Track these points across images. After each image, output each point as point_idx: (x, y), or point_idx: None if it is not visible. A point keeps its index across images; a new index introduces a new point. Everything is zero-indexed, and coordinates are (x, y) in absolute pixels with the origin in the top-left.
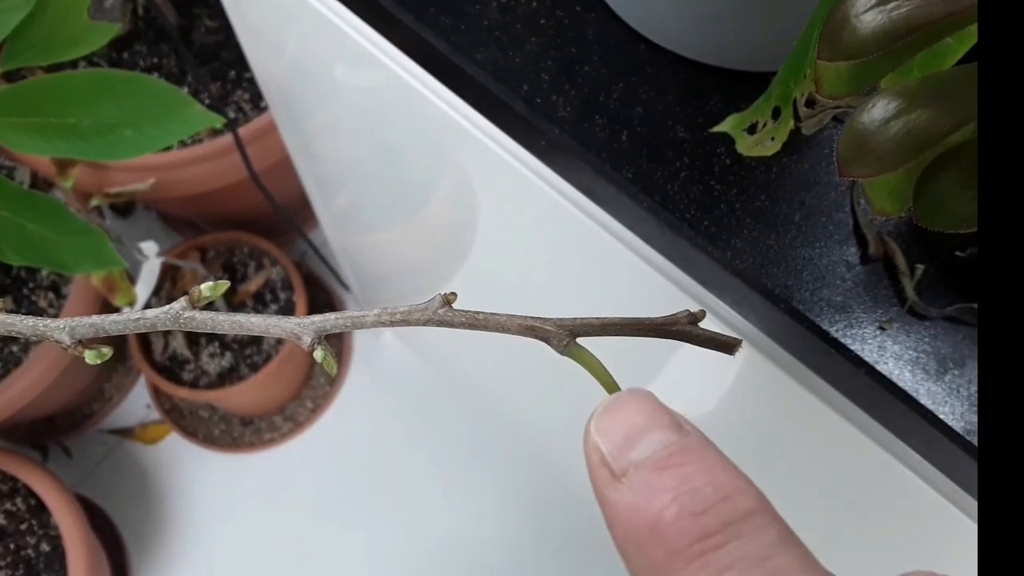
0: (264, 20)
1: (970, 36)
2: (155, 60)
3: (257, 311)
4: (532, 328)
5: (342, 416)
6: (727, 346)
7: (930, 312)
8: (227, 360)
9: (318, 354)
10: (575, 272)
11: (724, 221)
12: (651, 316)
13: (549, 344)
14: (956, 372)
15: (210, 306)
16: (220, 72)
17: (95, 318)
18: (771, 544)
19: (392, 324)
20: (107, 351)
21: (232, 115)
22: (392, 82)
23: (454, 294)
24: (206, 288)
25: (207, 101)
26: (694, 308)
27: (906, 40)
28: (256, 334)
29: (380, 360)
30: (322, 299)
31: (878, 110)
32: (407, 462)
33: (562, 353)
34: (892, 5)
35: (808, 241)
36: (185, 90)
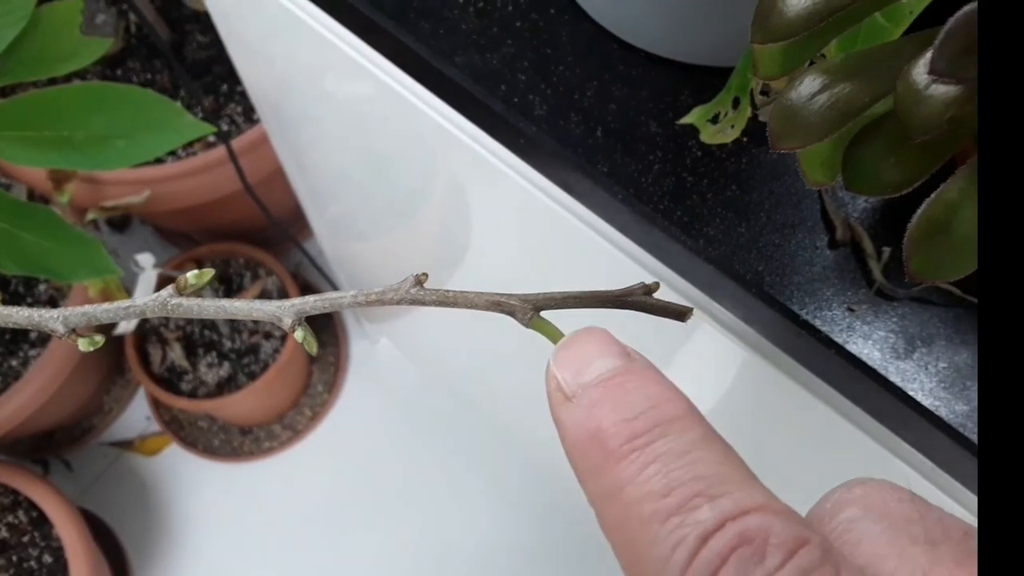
0: (252, 33)
1: (904, 18)
2: (148, 76)
3: (255, 321)
4: (498, 303)
5: (340, 424)
6: (679, 314)
7: (897, 293)
8: (225, 370)
9: (298, 334)
10: (556, 265)
11: (696, 211)
12: (609, 288)
13: (515, 317)
14: (924, 350)
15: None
16: (212, 86)
17: (88, 307)
18: (693, 441)
19: (368, 304)
20: (99, 339)
21: (225, 128)
22: (378, 89)
23: (425, 275)
24: (192, 276)
25: (200, 115)
26: (669, 295)
27: (829, 20)
28: (239, 318)
29: (377, 368)
30: None
31: (804, 86)
32: (405, 469)
33: (527, 326)
34: None
35: (778, 228)
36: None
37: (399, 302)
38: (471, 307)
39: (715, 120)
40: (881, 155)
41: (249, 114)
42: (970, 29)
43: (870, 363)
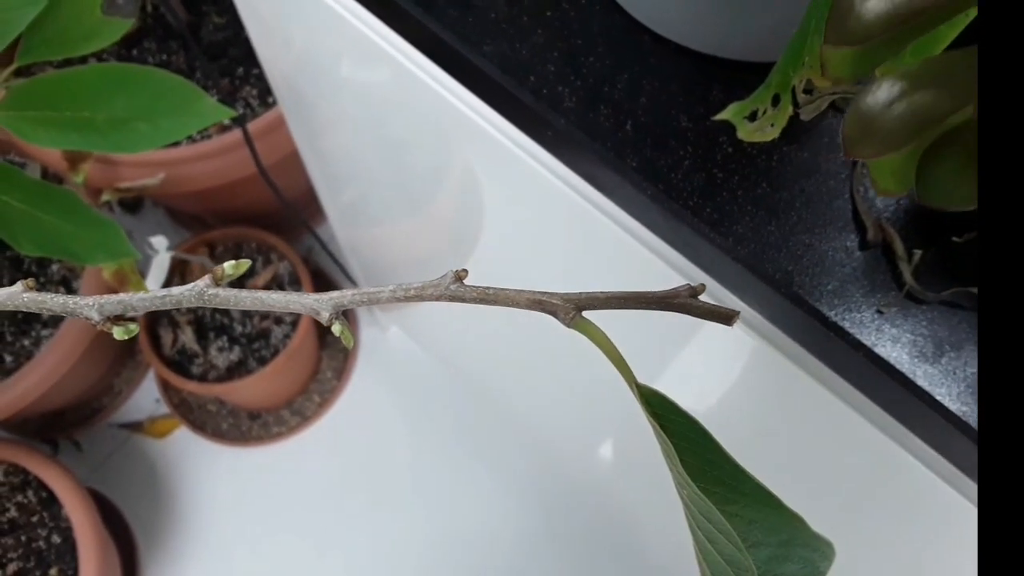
0: (274, 13)
1: (960, 20)
2: (164, 57)
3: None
4: (540, 302)
5: (349, 410)
6: (725, 317)
7: (927, 296)
8: (235, 354)
9: (336, 328)
10: (580, 260)
11: (726, 208)
12: (653, 291)
13: (556, 317)
14: (953, 355)
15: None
16: (228, 68)
17: (123, 296)
18: None
19: (407, 299)
20: (134, 327)
21: (241, 111)
22: (400, 75)
23: (465, 271)
24: (228, 267)
25: (216, 97)
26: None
27: (907, 25)
28: (276, 311)
29: (386, 355)
30: None
31: (882, 92)
32: (413, 455)
33: (569, 326)
34: None
35: (808, 227)
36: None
37: (439, 298)
38: (512, 305)
39: (752, 117)
40: (958, 168)
41: (265, 97)
42: None
43: (898, 366)
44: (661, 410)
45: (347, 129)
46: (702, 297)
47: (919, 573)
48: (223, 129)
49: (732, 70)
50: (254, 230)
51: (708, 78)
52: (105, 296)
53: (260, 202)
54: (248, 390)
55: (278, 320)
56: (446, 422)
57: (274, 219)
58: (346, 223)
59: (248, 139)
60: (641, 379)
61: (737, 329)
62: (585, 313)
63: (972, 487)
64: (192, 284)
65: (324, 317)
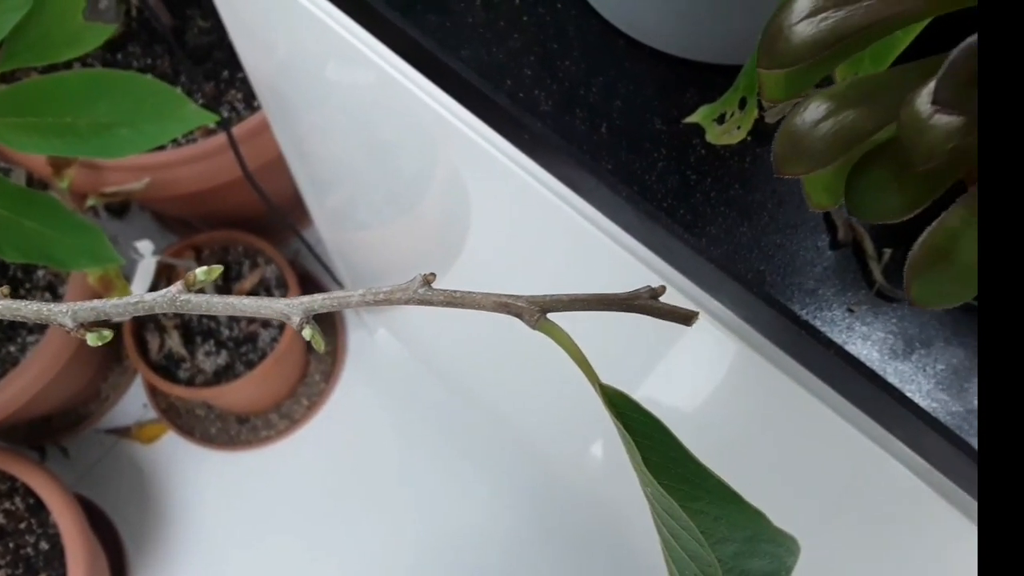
0: (256, 19)
1: (915, 27)
2: (149, 61)
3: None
4: (505, 304)
5: (337, 413)
6: (684, 318)
7: (897, 294)
8: (223, 358)
9: (306, 332)
10: (560, 262)
11: (699, 209)
12: (616, 292)
13: (521, 319)
14: (923, 352)
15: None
16: (213, 72)
17: (96, 302)
18: None
19: (376, 303)
20: (108, 333)
21: (226, 114)
22: (381, 79)
23: (433, 275)
24: (200, 272)
25: (201, 101)
26: (671, 295)
27: (833, 48)
28: (248, 315)
29: (374, 357)
30: None
31: (810, 112)
32: (402, 457)
33: (533, 328)
34: (820, 17)
35: (780, 228)
36: (179, 90)
37: (407, 302)
38: (478, 308)
39: (721, 120)
40: (884, 182)
41: (250, 101)
42: (972, 60)
43: (868, 364)
44: (624, 409)
45: (331, 133)
46: (664, 298)
47: (889, 564)
48: (209, 133)
49: (707, 73)
50: (241, 234)
51: (682, 81)
52: (79, 303)
53: (247, 206)
54: (236, 394)
55: (265, 324)
56: (435, 424)
57: (261, 223)
58: (332, 227)
59: (233, 143)
60: (620, 379)
61: (713, 328)
62: (556, 317)
63: (944, 482)
64: (164, 290)
65: (295, 322)
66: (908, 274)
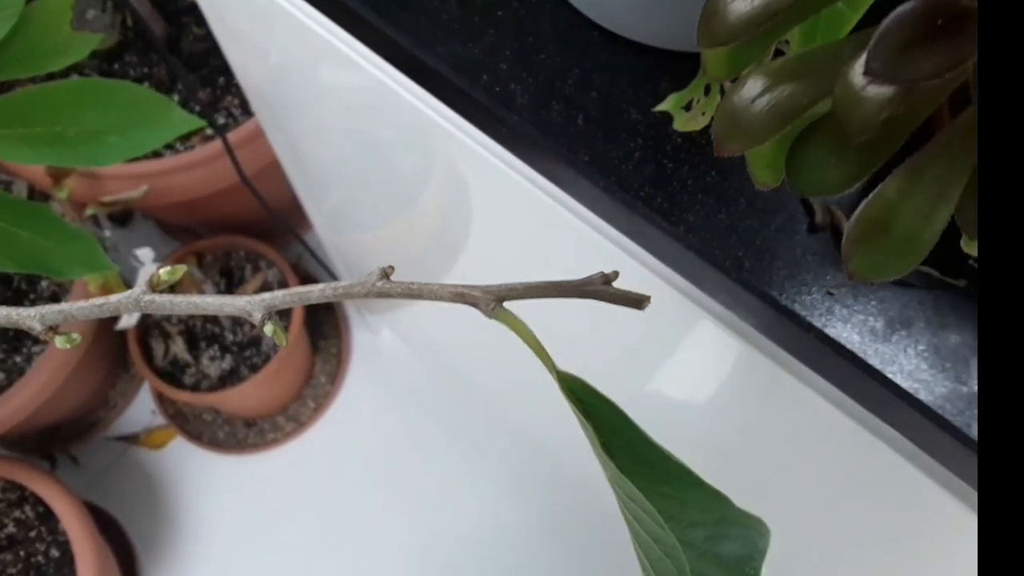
0: (244, 26)
1: (863, 3)
2: (145, 70)
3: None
4: (462, 295)
5: (344, 414)
6: (636, 302)
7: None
8: (227, 363)
9: (268, 328)
10: (544, 252)
11: (677, 197)
12: (570, 279)
13: (478, 308)
14: (903, 333)
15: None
16: (209, 79)
17: (64, 305)
18: None
19: (336, 297)
20: (76, 336)
21: (222, 120)
22: (366, 79)
23: (392, 267)
24: (164, 273)
25: (197, 108)
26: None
27: (768, 25)
28: (211, 313)
29: (379, 358)
30: None
31: (747, 89)
32: (410, 457)
33: (490, 316)
34: None
35: (757, 213)
36: (175, 98)
37: (366, 295)
38: (435, 299)
39: (688, 107)
40: (822, 156)
41: (247, 106)
42: (903, 29)
43: (849, 346)
44: (583, 396)
45: (324, 136)
46: (633, 281)
47: (873, 540)
48: (206, 139)
49: (680, 62)
50: (242, 238)
51: (657, 71)
52: (47, 307)
53: (248, 211)
54: (241, 398)
55: None
56: (441, 423)
57: (263, 227)
58: (330, 229)
59: (229, 148)
60: (606, 369)
61: (694, 312)
62: (514, 305)
63: (928, 461)
64: (128, 292)
65: (256, 318)
66: (846, 247)
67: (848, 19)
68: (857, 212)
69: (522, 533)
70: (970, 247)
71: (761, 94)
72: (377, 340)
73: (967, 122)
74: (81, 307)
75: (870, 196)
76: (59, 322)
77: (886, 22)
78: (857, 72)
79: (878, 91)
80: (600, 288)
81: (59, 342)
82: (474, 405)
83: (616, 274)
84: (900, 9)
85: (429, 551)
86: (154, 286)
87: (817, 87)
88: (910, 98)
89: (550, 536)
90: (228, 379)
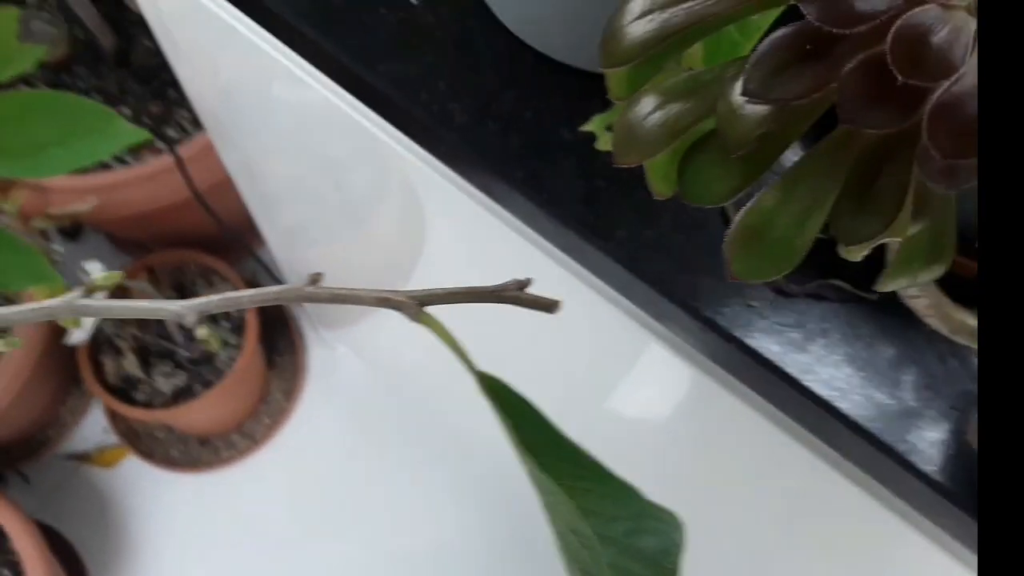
0: (192, 43)
1: (754, 32)
2: (95, 81)
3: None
4: (386, 299)
5: (300, 431)
6: (548, 306)
7: (793, 290)
8: (180, 379)
9: (201, 332)
10: (490, 269)
11: (606, 214)
12: (485, 285)
13: (402, 312)
14: (821, 342)
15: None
16: (160, 91)
17: (2, 309)
18: None
19: (266, 303)
20: (17, 340)
21: (174, 134)
22: (315, 98)
23: (321, 274)
24: (100, 278)
25: (148, 121)
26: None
27: (662, 46)
28: (145, 316)
29: (335, 374)
30: (274, 315)
31: (641, 106)
32: (367, 474)
33: (414, 320)
34: (648, 18)
35: (682, 228)
36: (126, 111)
37: (296, 299)
38: (361, 303)
39: (611, 128)
40: (708, 168)
41: (199, 120)
42: (777, 53)
43: (768, 356)
44: (502, 394)
45: (276, 154)
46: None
47: (786, 535)
48: (157, 152)
49: None
50: (195, 253)
51: (588, 93)
52: None
53: (201, 226)
54: (195, 414)
55: (223, 343)
56: (399, 439)
57: (216, 242)
58: (284, 245)
59: (179, 162)
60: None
61: (624, 323)
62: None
63: (839, 460)
64: (64, 296)
65: (189, 321)
66: (727, 251)
67: (742, 46)
68: (736, 219)
69: (486, 552)
70: (848, 253)
71: (653, 111)
72: (333, 356)
73: (836, 138)
74: (18, 311)
75: (748, 205)
76: None
77: (761, 47)
78: (736, 92)
79: (754, 109)
80: (514, 293)
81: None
82: (432, 422)
83: (529, 281)
84: (774, 35)
85: (387, 569)
86: (90, 291)
87: (704, 105)
88: (783, 116)
89: (513, 553)
90: (181, 396)
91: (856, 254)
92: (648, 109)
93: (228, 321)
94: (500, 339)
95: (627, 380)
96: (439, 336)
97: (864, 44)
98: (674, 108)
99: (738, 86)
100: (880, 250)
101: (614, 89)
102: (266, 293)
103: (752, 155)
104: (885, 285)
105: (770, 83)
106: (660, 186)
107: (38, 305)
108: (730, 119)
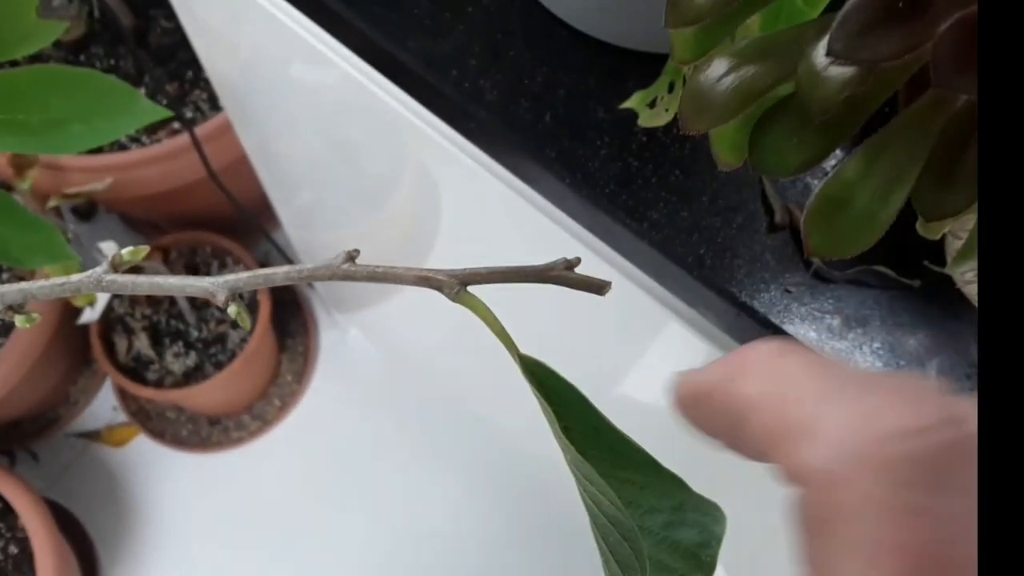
0: (214, 20)
1: (820, 2)
2: (112, 62)
3: (221, 310)
4: (427, 278)
5: (310, 413)
6: (598, 287)
7: (833, 276)
8: (192, 359)
9: (232, 310)
10: (513, 251)
11: (641, 195)
12: (533, 264)
13: (442, 292)
14: (859, 330)
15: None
16: (177, 72)
17: (24, 284)
18: None
19: (301, 279)
20: (36, 316)
21: (190, 114)
22: (336, 75)
23: (357, 251)
24: (127, 253)
25: (164, 101)
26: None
27: (733, 5)
28: (173, 294)
29: (346, 357)
30: (287, 298)
31: (712, 69)
32: (375, 456)
33: (454, 300)
34: None
35: (719, 212)
36: (142, 91)
37: (331, 277)
38: (400, 282)
39: (653, 104)
40: (785, 136)
41: (215, 100)
42: (865, 11)
43: (806, 343)
44: (544, 379)
45: (295, 132)
46: (592, 275)
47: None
48: (173, 133)
49: (646, 61)
50: (209, 235)
51: (623, 70)
52: (6, 286)
53: (215, 206)
54: (206, 395)
55: (235, 324)
56: (408, 422)
57: (230, 223)
58: (299, 227)
59: (196, 142)
60: (582, 359)
61: (655, 308)
62: (477, 290)
63: None
64: (90, 272)
65: (220, 299)
66: (806, 224)
67: (807, 16)
68: (816, 190)
69: (493, 535)
70: (926, 230)
71: (726, 74)
72: (345, 339)
73: (925, 105)
74: (42, 286)
75: (829, 175)
76: (19, 301)
77: (848, 4)
78: (820, 53)
79: (839, 71)
80: (562, 273)
81: (19, 321)
82: (441, 405)
83: (578, 260)
84: None
85: (395, 551)
86: (116, 266)
87: (780, 68)
88: (870, 79)
89: (519, 536)
90: (192, 376)
91: (936, 231)
92: (720, 72)
93: (241, 302)
94: (527, 323)
95: (657, 369)
96: (481, 317)
97: (962, 1)
98: (749, 71)
99: (822, 46)
100: (917, 235)
101: (679, 52)
102: (300, 270)
103: (832, 123)
104: (956, 267)
105: (858, 43)
106: (727, 155)
107: (64, 280)
108: (812, 82)
